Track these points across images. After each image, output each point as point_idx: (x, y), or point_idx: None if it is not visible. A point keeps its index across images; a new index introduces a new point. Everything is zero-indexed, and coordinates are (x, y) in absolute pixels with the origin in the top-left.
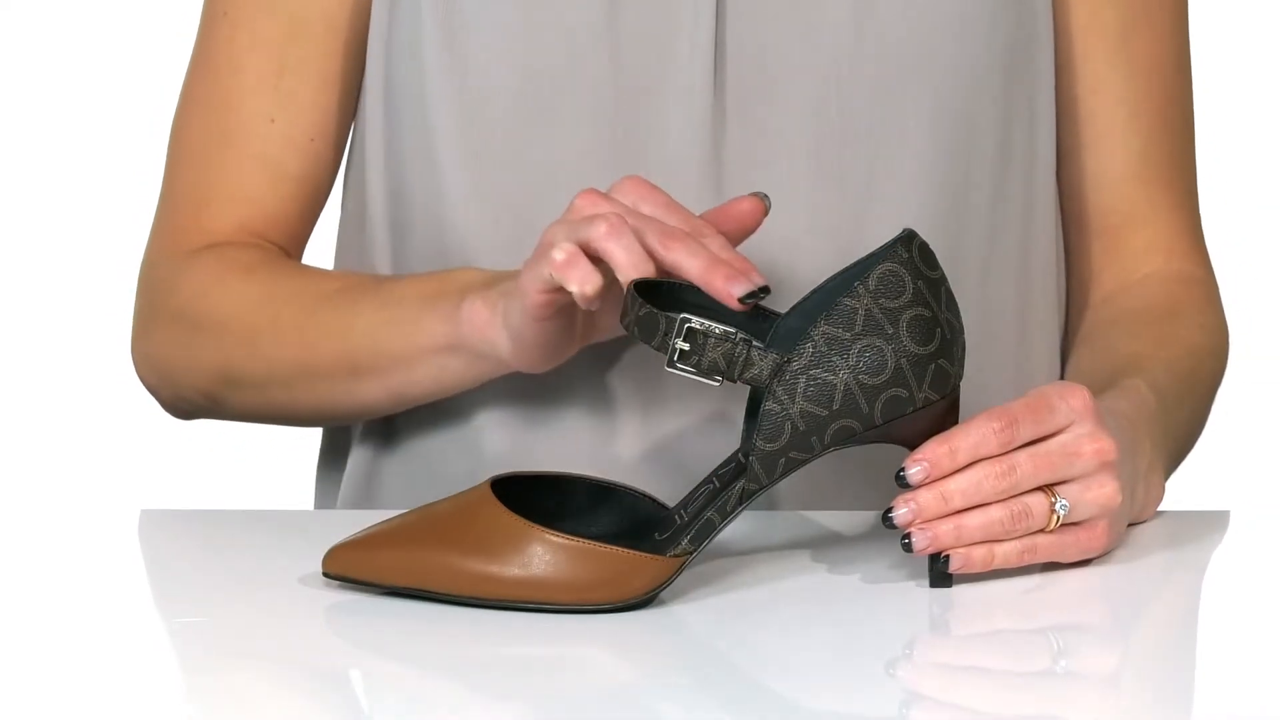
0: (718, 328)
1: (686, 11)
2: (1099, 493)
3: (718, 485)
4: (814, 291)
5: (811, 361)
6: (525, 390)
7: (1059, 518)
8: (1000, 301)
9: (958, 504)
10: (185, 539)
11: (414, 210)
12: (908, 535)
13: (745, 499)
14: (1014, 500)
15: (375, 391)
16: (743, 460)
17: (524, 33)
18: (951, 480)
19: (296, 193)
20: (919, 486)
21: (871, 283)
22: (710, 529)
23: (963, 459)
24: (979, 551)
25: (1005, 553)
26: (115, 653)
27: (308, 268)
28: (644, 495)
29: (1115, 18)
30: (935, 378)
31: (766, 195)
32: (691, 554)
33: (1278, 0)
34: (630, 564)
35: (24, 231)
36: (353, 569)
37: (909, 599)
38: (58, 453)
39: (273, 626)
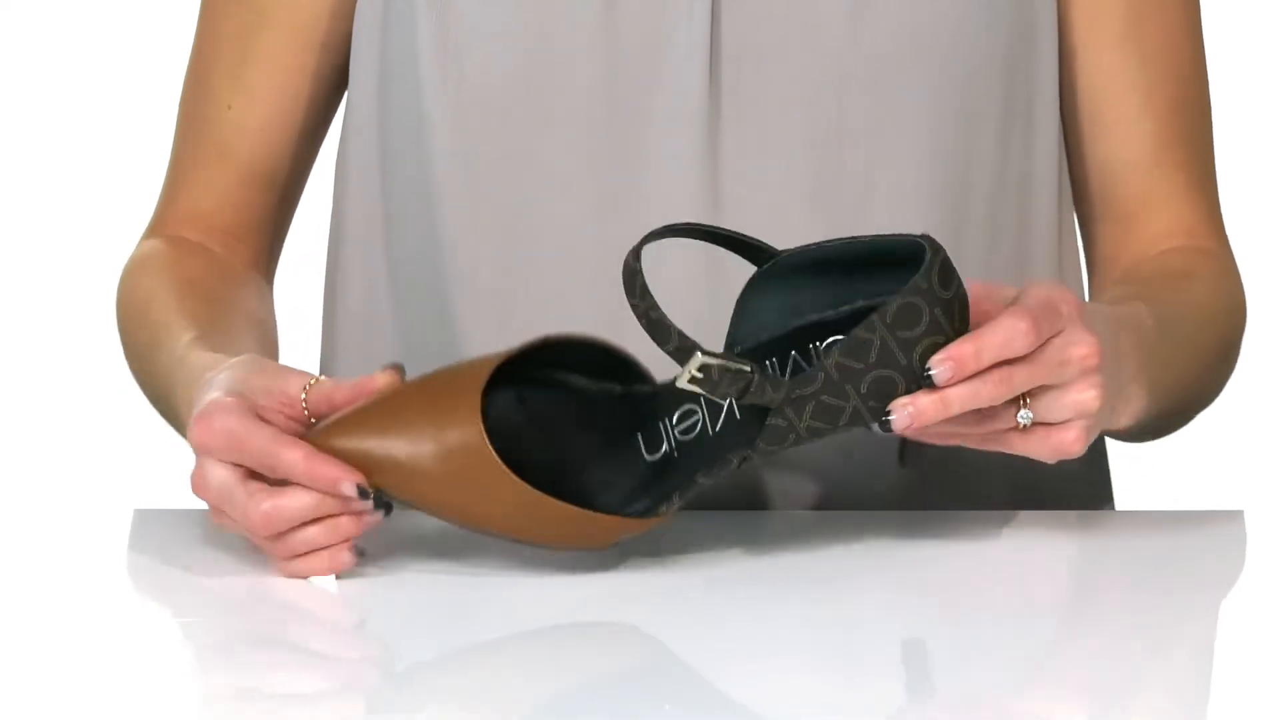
0: (733, 366)
1: (681, 9)
2: (1078, 398)
3: (712, 435)
4: (818, 248)
5: (822, 388)
6: None
7: (1021, 426)
8: None
9: (956, 410)
10: (180, 538)
11: (408, 209)
12: (882, 428)
13: (739, 465)
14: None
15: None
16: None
17: (520, 33)
18: (954, 388)
19: (248, 179)
20: (942, 385)
21: (889, 316)
22: (690, 489)
23: (988, 359)
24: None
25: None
26: (116, 652)
27: (168, 316)
28: (640, 374)
29: (1122, 5)
30: (889, 423)
31: (402, 366)
32: (665, 514)
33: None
34: (596, 525)
35: (18, 231)
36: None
37: (910, 598)
38: (42, 456)
39: (276, 624)
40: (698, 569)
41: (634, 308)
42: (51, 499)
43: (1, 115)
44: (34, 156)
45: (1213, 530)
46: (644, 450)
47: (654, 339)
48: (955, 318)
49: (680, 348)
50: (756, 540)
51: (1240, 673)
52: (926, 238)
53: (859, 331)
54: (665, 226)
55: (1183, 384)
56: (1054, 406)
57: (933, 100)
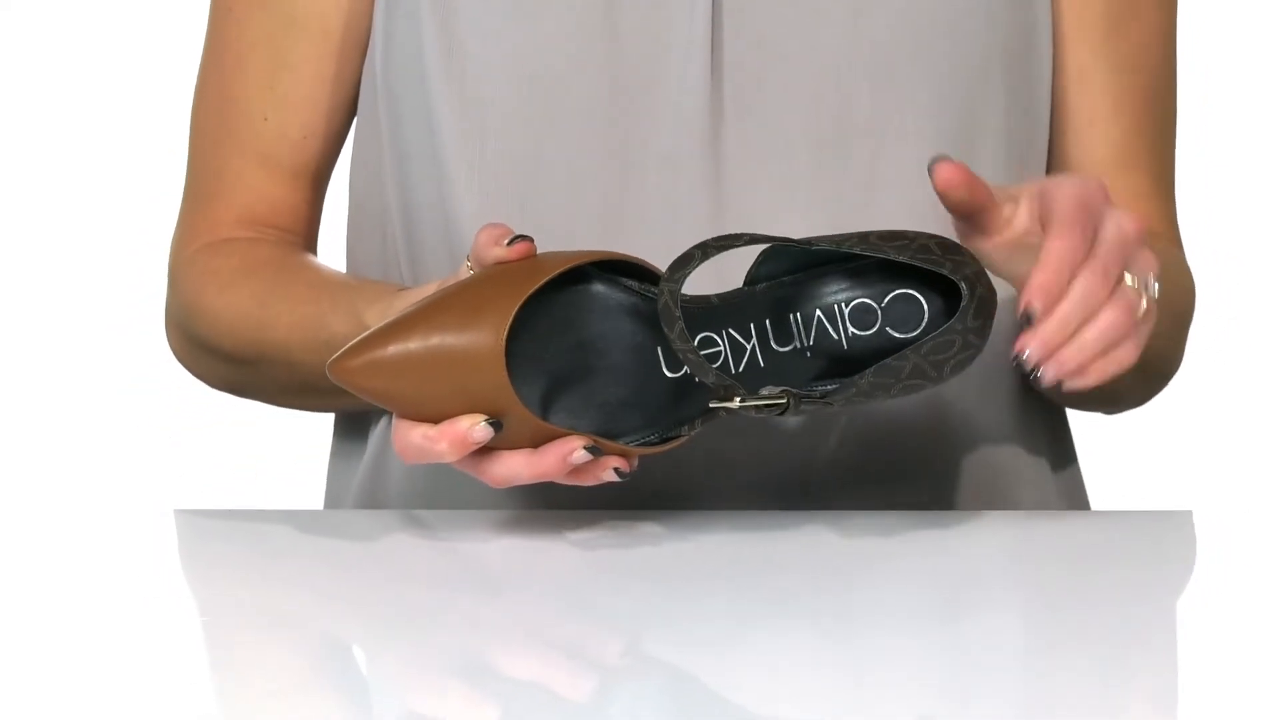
0: (766, 401)
1: (682, 6)
2: (1144, 264)
3: (734, 375)
4: (858, 253)
5: (854, 397)
6: None
7: (1149, 299)
8: (1001, 288)
9: (1077, 324)
10: (222, 537)
11: (423, 213)
12: (1032, 373)
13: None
14: (1115, 298)
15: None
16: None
17: (522, 34)
18: (1063, 304)
19: (294, 183)
20: (1043, 315)
21: (924, 349)
22: (710, 420)
23: (1068, 277)
24: (1095, 367)
25: (1120, 356)
26: (155, 652)
27: (286, 277)
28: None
29: (1103, 11)
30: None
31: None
32: (674, 443)
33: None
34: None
35: (20, 231)
36: (354, 383)
37: (911, 597)
38: (60, 459)
39: (311, 624)
40: (696, 567)
41: (671, 342)
42: (76, 502)
43: (2, 115)
44: (35, 156)
45: (1163, 530)
46: (664, 366)
47: (692, 373)
48: (985, 334)
49: (718, 386)
50: (755, 539)
51: (1198, 671)
52: (966, 278)
53: (892, 361)
54: (696, 246)
55: None
56: (1143, 275)
57: (936, 95)
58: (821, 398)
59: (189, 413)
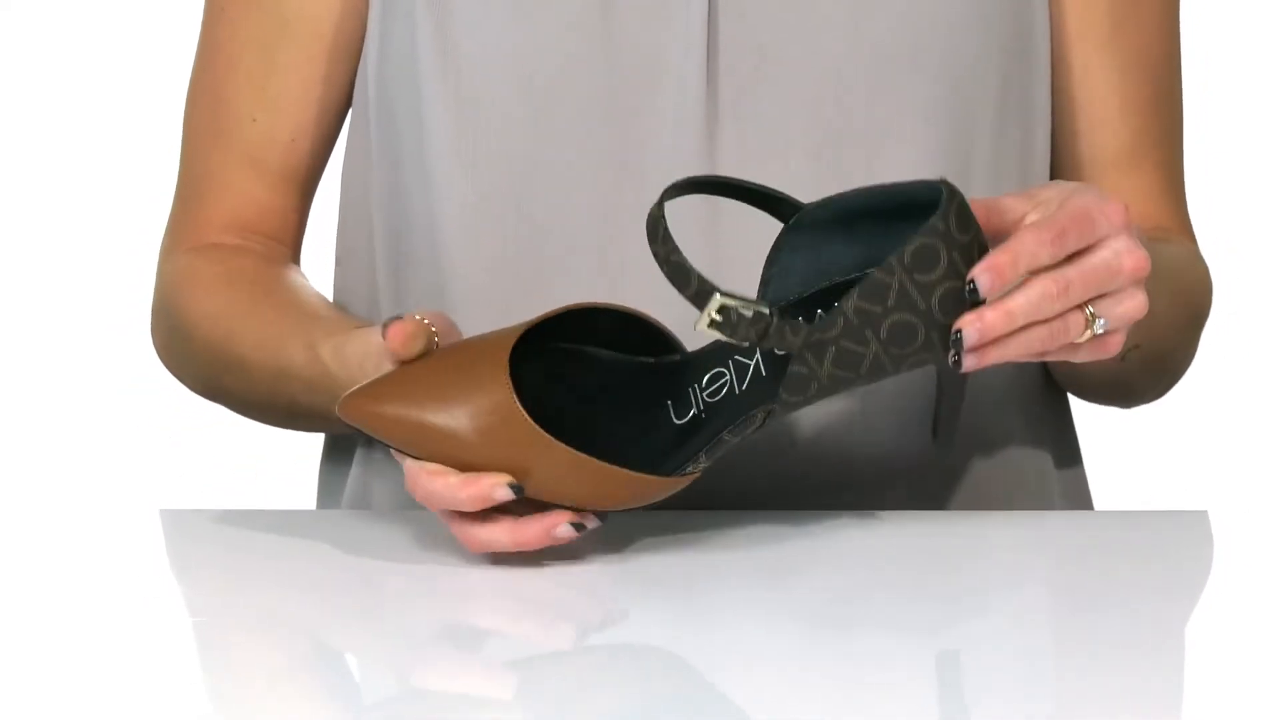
0: (751, 309)
1: (678, 8)
2: (1129, 306)
3: (739, 394)
4: (841, 198)
5: (842, 333)
6: None
7: (1092, 334)
8: None
9: (1020, 322)
10: (207, 538)
11: (416, 215)
12: (957, 353)
13: (765, 421)
14: (1056, 320)
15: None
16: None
17: (518, 36)
18: (1013, 299)
19: (281, 186)
20: (988, 295)
21: (907, 258)
22: (718, 448)
23: (1023, 267)
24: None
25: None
26: (145, 652)
27: (261, 292)
28: (663, 333)
29: (1106, 11)
30: (961, 340)
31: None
32: (693, 473)
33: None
34: (629, 486)
35: (19, 231)
36: (364, 421)
37: (913, 597)
38: (59, 459)
39: (301, 623)
40: (697, 567)
41: (655, 254)
42: (68, 501)
43: (2, 115)
44: (34, 156)
45: (1178, 530)
46: (673, 415)
47: (675, 285)
48: (973, 262)
49: (700, 291)
50: (753, 538)
51: (1212, 675)
52: (944, 182)
53: (877, 274)
54: (688, 179)
55: (1162, 319)
56: (1110, 314)
57: (933, 98)
58: (810, 325)
59: (188, 413)
